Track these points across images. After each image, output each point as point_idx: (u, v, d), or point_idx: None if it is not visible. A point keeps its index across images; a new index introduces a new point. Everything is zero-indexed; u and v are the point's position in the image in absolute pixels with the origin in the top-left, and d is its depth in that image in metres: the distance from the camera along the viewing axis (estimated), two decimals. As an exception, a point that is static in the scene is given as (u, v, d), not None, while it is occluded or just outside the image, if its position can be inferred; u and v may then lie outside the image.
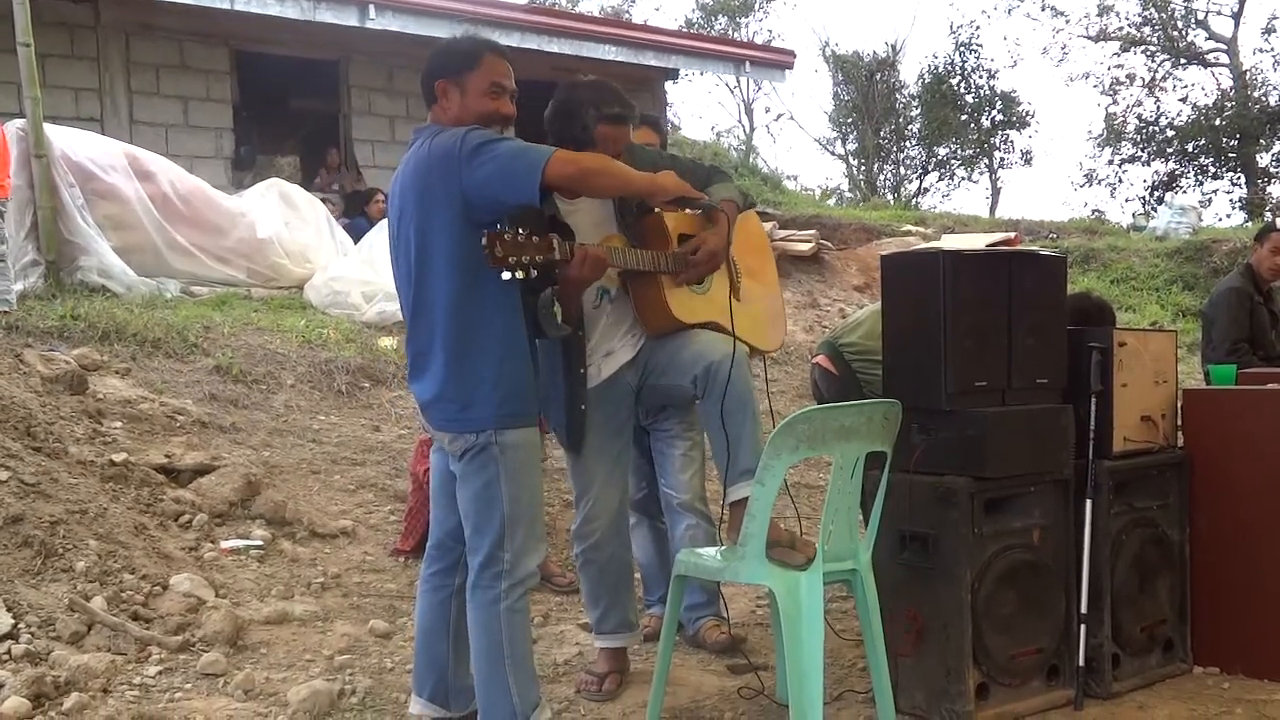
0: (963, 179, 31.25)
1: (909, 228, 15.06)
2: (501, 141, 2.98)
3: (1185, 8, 26.89)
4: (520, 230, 2.90)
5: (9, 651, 3.62)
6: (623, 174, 3.23)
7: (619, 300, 3.58)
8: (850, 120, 30.81)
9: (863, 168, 30.60)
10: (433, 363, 3.06)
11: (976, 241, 12.45)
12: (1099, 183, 28.52)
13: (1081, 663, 3.60)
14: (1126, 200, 29.11)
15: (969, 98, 29.36)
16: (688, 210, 3.52)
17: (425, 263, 3.03)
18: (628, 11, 30.28)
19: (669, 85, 15.17)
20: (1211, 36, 27.05)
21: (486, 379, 3.02)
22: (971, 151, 30.19)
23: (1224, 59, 26.86)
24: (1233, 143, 25.81)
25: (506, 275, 2.87)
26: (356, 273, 8.29)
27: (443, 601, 3.29)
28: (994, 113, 29.55)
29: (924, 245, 12.19)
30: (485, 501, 3.04)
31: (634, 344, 3.61)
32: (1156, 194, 26.53)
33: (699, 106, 54.27)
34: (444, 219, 2.99)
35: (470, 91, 3.08)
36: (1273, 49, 26.28)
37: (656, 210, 3.52)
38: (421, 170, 3.03)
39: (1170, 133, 26.82)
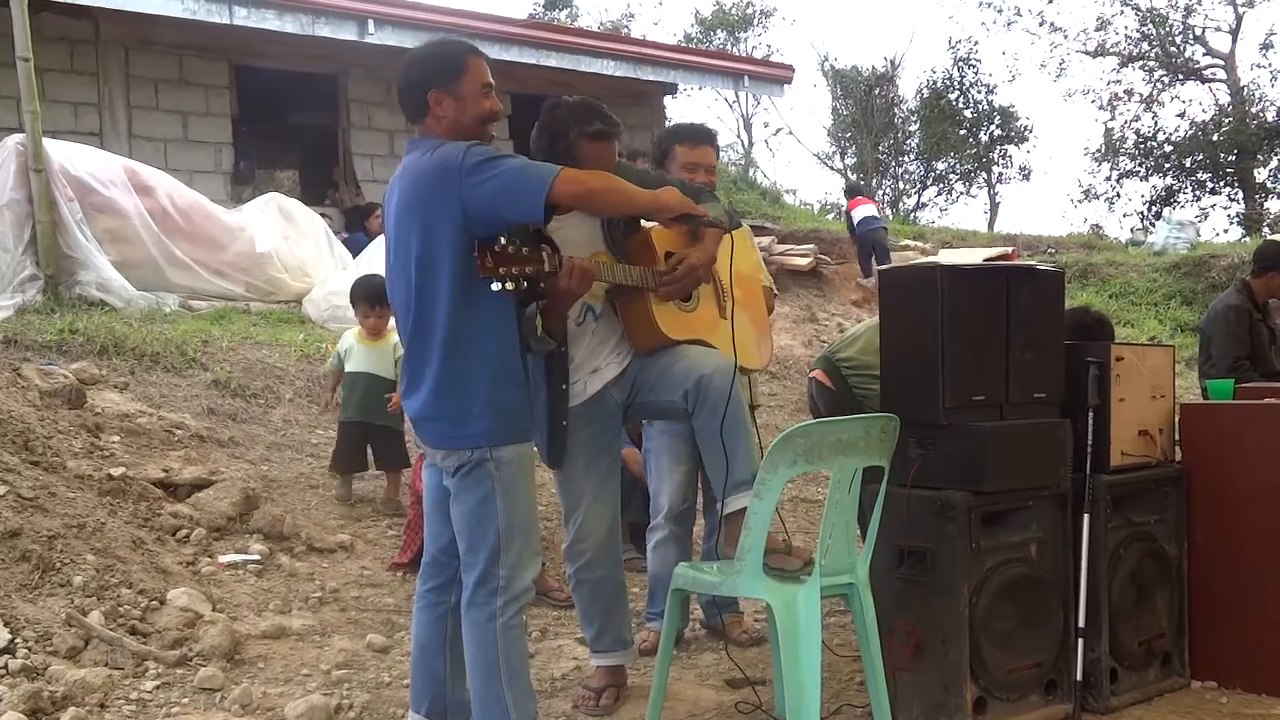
0: (961, 194, 31.39)
1: (907, 242, 15.12)
2: (505, 159, 2.96)
3: (1183, 24, 27.01)
4: (511, 242, 2.89)
5: (6, 666, 3.60)
6: (628, 192, 3.22)
7: (605, 318, 3.56)
8: (849, 135, 30.96)
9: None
10: (428, 379, 3.03)
11: (974, 256, 12.49)
12: (1097, 198, 28.67)
13: (1079, 677, 3.59)
14: (1124, 215, 29.31)
15: (967, 113, 29.51)
16: (689, 226, 3.49)
17: (429, 278, 2.99)
18: (626, 26, 30.40)
19: (667, 100, 15.23)
20: (1209, 52, 27.18)
21: (480, 395, 2.99)
22: (970, 166, 30.33)
23: (1221, 75, 26.99)
24: (1230, 158, 25.92)
25: (496, 286, 2.87)
26: (355, 287, 8.28)
27: (439, 618, 3.27)
28: (992, 128, 29.70)
29: (922, 260, 12.22)
30: (479, 518, 3.02)
31: (620, 361, 3.58)
32: (1154, 209, 26.64)
33: (698, 121, 54.31)
34: (446, 233, 2.95)
35: (465, 97, 3.08)
36: (1270, 65, 26.58)
37: (643, 227, 3.51)
38: (420, 184, 2.99)
39: (1168, 148, 26.93)
